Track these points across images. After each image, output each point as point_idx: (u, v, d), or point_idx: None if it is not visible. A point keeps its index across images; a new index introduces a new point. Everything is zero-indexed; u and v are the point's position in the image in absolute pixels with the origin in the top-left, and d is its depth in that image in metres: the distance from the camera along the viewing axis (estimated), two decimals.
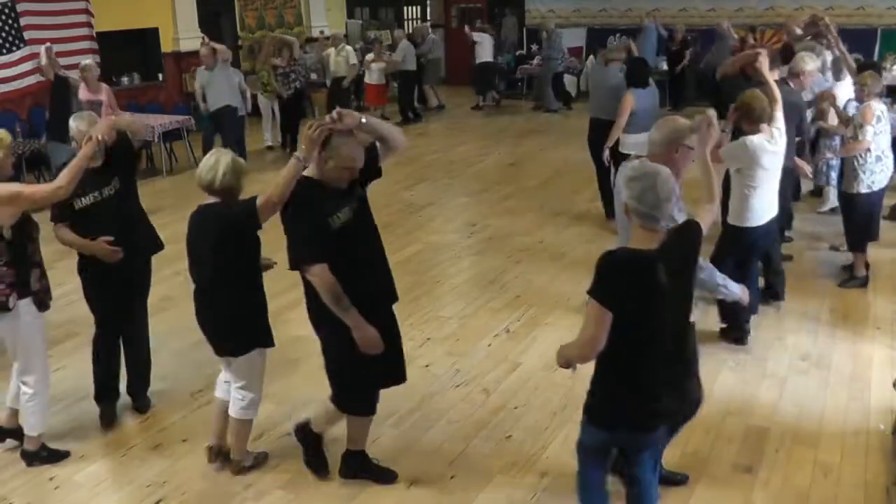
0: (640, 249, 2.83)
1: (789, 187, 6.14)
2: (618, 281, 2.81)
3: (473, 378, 5.01)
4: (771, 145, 4.85)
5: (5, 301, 3.81)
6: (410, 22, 18.57)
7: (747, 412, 4.50)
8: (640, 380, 2.94)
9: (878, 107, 5.93)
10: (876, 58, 12.62)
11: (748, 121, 4.88)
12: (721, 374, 4.92)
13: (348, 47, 12.90)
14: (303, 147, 3.35)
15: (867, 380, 4.87)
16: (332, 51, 12.84)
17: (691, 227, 3.06)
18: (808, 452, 4.16)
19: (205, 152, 4.49)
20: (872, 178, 5.97)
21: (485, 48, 14.57)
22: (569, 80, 15.67)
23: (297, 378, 5.01)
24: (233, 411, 3.95)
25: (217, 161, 3.64)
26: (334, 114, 3.33)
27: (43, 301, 4.00)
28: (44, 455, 4.17)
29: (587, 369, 3.07)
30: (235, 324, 3.79)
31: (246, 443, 4.07)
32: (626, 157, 7.29)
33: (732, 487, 3.88)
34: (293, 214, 3.39)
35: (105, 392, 4.57)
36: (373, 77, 13.55)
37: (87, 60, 8.89)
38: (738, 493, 3.84)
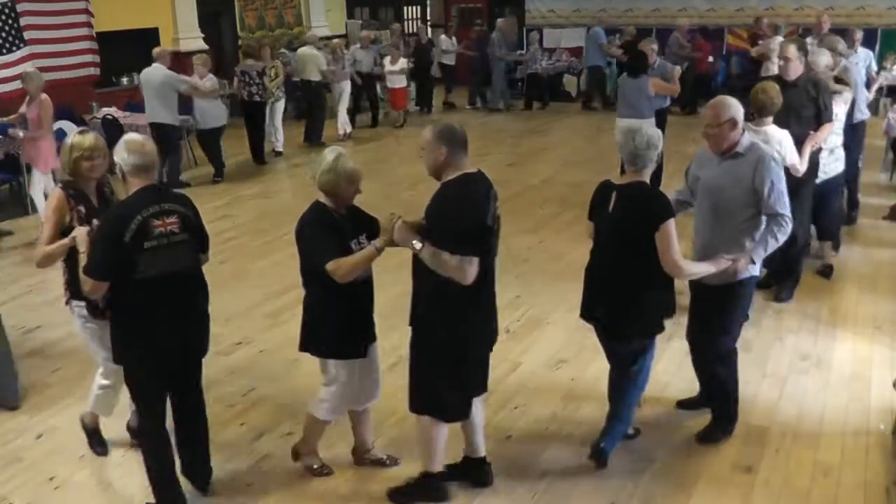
0: (611, 180, 3.84)
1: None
2: (591, 199, 3.91)
3: None
4: None
5: (63, 294, 4.02)
6: (410, 22, 18.58)
7: (747, 412, 4.49)
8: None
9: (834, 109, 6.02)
10: (876, 58, 12.63)
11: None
12: None
13: (314, 51, 11.99)
14: (384, 238, 3.45)
15: (867, 380, 4.87)
16: (301, 50, 12.16)
17: (648, 200, 3.64)
18: (808, 452, 4.16)
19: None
20: (825, 170, 6.07)
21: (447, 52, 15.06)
22: (568, 80, 15.69)
23: (298, 378, 5.01)
24: (309, 404, 3.96)
25: (322, 157, 3.62)
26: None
27: (97, 309, 3.82)
28: (95, 439, 4.31)
29: None
30: (308, 321, 3.80)
31: (312, 440, 4.02)
32: None
33: (732, 487, 3.89)
34: None
35: None
36: (394, 80, 13.17)
37: (29, 69, 8.37)
38: (738, 493, 3.85)
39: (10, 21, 10.59)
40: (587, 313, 3.98)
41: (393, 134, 13.18)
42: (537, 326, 5.73)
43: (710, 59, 14.07)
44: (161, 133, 9.57)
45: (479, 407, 3.76)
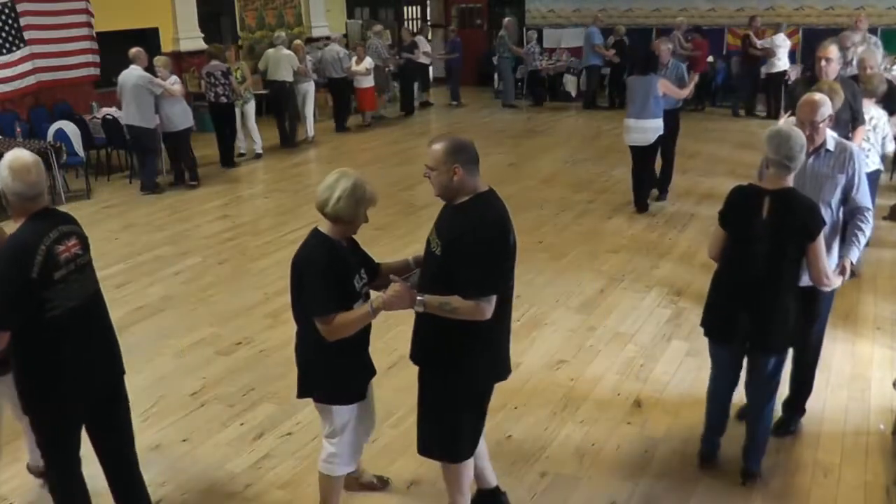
0: (758, 185, 3.71)
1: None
2: (728, 206, 3.77)
3: None
4: None
5: None
6: (410, 22, 18.58)
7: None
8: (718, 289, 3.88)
9: None
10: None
11: None
12: None
13: (286, 50, 11.69)
14: (381, 300, 3.09)
15: (867, 380, 4.87)
16: (270, 51, 11.77)
17: (805, 208, 3.56)
18: (808, 452, 4.16)
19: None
20: None
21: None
22: (568, 80, 15.68)
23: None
24: (319, 463, 3.52)
25: (336, 182, 3.15)
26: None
27: None
28: None
29: None
30: (305, 365, 3.43)
31: (329, 500, 3.54)
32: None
33: (732, 487, 3.88)
34: None
35: None
36: (360, 80, 12.98)
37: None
38: (739, 493, 3.85)
39: (10, 21, 10.59)
40: (728, 329, 3.77)
41: (374, 134, 13.18)
42: (537, 326, 5.73)
43: (710, 58, 14.10)
44: (135, 136, 9.48)
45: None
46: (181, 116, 9.69)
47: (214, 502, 3.91)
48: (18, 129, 9.69)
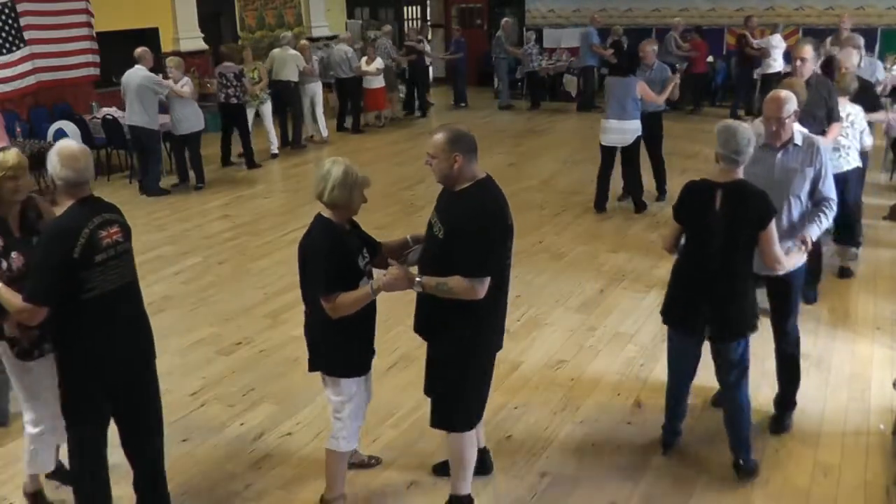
0: (709, 179, 3.76)
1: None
2: (681, 201, 3.85)
3: None
4: None
5: None
6: (410, 22, 18.60)
7: None
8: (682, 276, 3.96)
9: None
10: (876, 58, 12.67)
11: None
12: None
13: (292, 50, 11.65)
14: (381, 282, 3.28)
15: (867, 380, 4.87)
16: (276, 51, 11.70)
17: (756, 198, 3.64)
18: (808, 452, 4.16)
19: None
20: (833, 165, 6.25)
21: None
22: (568, 80, 15.69)
23: (297, 378, 5.00)
24: (327, 440, 3.67)
25: (328, 171, 3.32)
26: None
27: (24, 350, 3.52)
28: None
29: None
30: (313, 341, 3.56)
31: (338, 481, 3.68)
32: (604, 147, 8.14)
33: (732, 487, 3.89)
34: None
35: None
36: (371, 80, 12.92)
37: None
38: (738, 493, 3.85)
39: (10, 21, 10.59)
40: (689, 319, 3.87)
41: (376, 134, 13.19)
42: (537, 326, 5.73)
43: (710, 58, 14.10)
44: (137, 136, 9.42)
45: None
46: (193, 118, 9.68)
47: (214, 502, 3.91)
48: (18, 129, 9.70)
